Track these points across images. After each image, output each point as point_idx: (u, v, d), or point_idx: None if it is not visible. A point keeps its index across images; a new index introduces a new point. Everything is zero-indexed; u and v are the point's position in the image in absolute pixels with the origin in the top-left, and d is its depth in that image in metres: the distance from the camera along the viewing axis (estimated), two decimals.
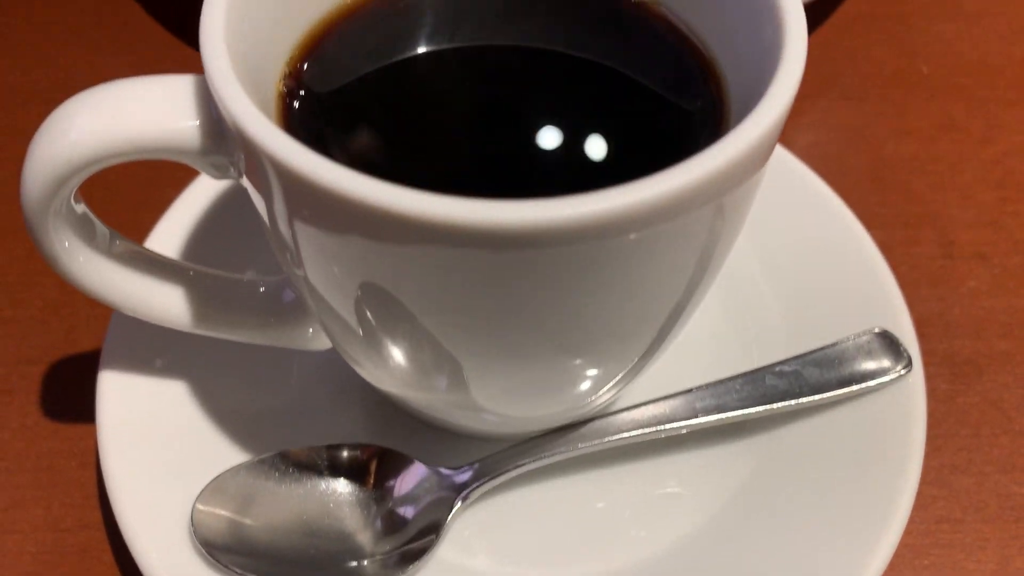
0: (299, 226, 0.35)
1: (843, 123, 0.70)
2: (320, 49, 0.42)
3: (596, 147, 0.40)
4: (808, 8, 0.71)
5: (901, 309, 0.51)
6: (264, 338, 0.47)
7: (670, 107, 0.41)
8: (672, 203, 0.31)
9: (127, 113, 0.36)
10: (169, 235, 0.54)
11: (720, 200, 0.33)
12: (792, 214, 0.56)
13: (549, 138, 0.40)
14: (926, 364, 0.52)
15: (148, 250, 0.45)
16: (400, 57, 0.43)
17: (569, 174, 0.39)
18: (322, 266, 0.36)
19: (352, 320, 0.39)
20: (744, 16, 0.39)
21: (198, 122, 0.36)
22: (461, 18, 0.45)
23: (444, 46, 0.44)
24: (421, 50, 0.43)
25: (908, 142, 0.69)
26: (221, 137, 0.36)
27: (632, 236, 0.31)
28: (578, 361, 0.39)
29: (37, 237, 0.39)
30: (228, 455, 0.47)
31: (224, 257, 0.53)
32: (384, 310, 0.37)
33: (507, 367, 0.39)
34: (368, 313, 0.38)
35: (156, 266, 0.44)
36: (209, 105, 0.36)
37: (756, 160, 0.33)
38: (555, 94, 0.42)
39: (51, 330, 0.57)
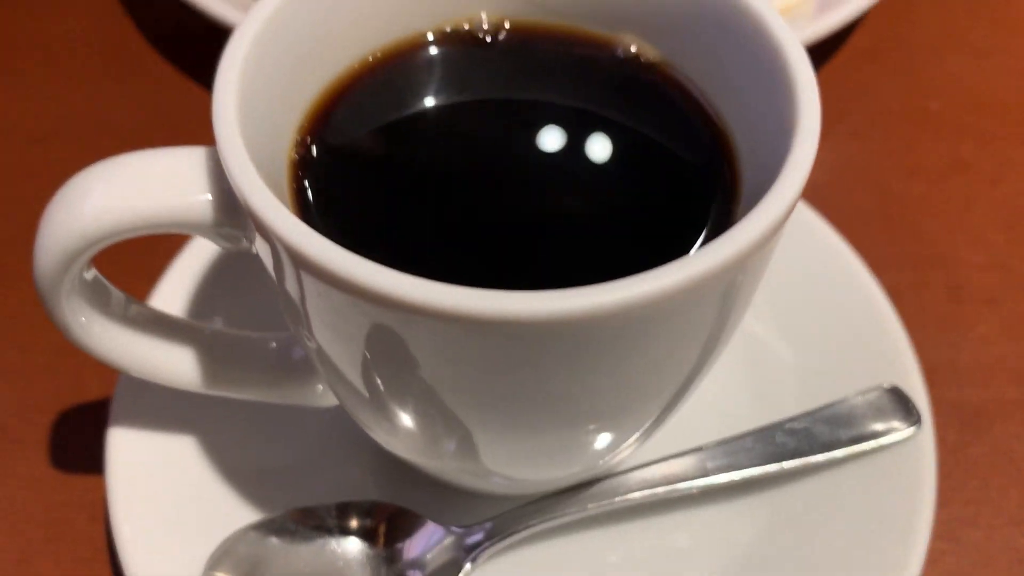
0: (311, 304, 0.34)
1: (851, 162, 0.70)
2: (330, 115, 0.42)
3: (606, 223, 0.40)
4: (816, 44, 0.71)
5: (911, 364, 0.51)
6: (276, 396, 0.47)
7: (682, 180, 0.41)
8: (678, 296, 0.31)
9: (139, 190, 0.36)
10: (177, 285, 0.54)
11: (730, 287, 0.33)
12: (802, 264, 0.55)
13: (559, 213, 0.40)
14: (935, 413, 0.52)
15: (161, 312, 0.45)
16: (411, 125, 0.43)
17: (580, 248, 0.39)
18: (332, 340, 0.36)
19: (361, 388, 0.39)
20: (758, 90, 0.39)
21: (210, 197, 0.36)
22: (470, 78, 0.45)
23: (454, 105, 0.44)
24: (432, 117, 0.43)
25: (917, 181, 0.69)
26: (234, 211, 0.36)
27: (641, 324, 0.31)
28: (589, 430, 0.39)
29: (50, 309, 0.39)
30: (239, 511, 0.47)
31: (232, 307, 0.53)
32: (394, 384, 0.37)
33: (517, 437, 0.39)
34: (378, 384, 0.38)
35: (169, 328, 0.44)
36: (221, 180, 0.36)
37: (764, 249, 0.33)
38: (567, 166, 0.41)
39: (59, 377, 0.57)
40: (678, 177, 0.41)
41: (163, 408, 0.50)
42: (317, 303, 0.34)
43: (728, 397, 0.52)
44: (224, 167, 0.34)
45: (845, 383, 0.51)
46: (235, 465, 0.49)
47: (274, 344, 0.47)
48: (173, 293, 0.54)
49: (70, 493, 0.52)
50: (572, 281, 0.30)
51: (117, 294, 0.42)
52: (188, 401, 0.49)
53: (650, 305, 0.30)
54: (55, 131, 0.71)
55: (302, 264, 0.32)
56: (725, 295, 0.34)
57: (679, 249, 0.38)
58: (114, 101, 0.73)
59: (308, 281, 0.33)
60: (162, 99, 0.73)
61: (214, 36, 0.71)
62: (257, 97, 0.37)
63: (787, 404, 0.51)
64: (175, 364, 0.44)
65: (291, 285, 0.35)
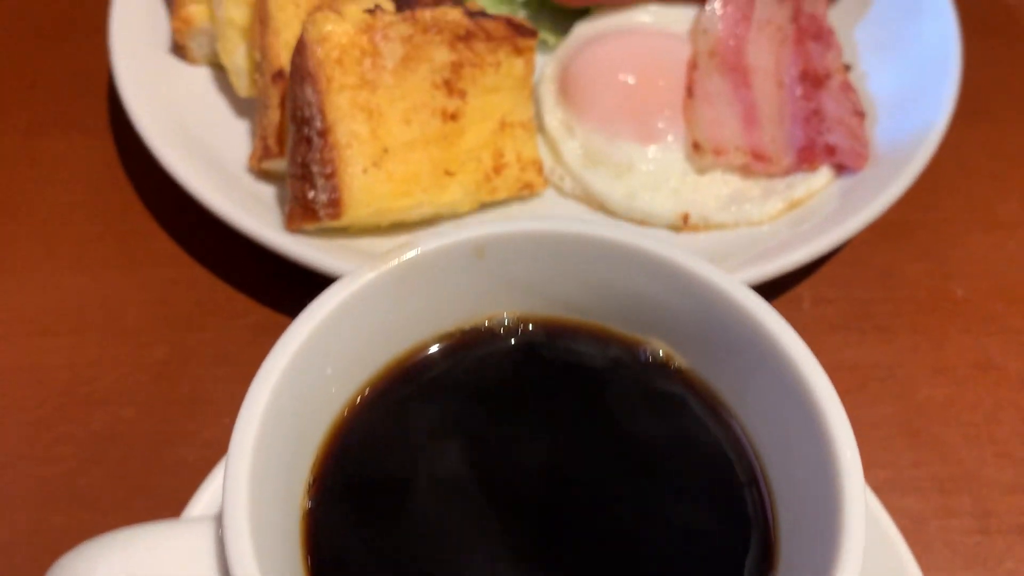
0: None
1: (875, 361, 0.68)
2: (339, 456, 0.40)
3: None
4: None
5: None
6: None
7: (712, 527, 0.39)
8: None
9: None
10: None
11: None
12: None
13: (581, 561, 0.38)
14: None
15: None
16: (421, 462, 0.40)
17: None
18: None
19: None
20: (792, 427, 0.38)
21: None
22: (488, 389, 0.43)
23: (467, 430, 0.41)
24: (442, 448, 0.41)
25: (942, 384, 0.67)
26: None
27: None
28: None
29: None
30: None
31: None
32: None
33: None
34: None
35: None
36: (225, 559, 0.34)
37: None
38: (589, 508, 0.39)
39: None
40: (708, 525, 0.39)
41: None
42: None
43: None
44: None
45: None
46: None
47: None
48: None
49: None
50: None
51: None
52: None
53: None
54: (58, 322, 0.68)
55: None
56: None
57: None
58: (118, 288, 0.70)
59: None
60: (165, 276, 0.71)
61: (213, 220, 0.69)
62: (270, 457, 0.36)
63: None
64: None
65: None
